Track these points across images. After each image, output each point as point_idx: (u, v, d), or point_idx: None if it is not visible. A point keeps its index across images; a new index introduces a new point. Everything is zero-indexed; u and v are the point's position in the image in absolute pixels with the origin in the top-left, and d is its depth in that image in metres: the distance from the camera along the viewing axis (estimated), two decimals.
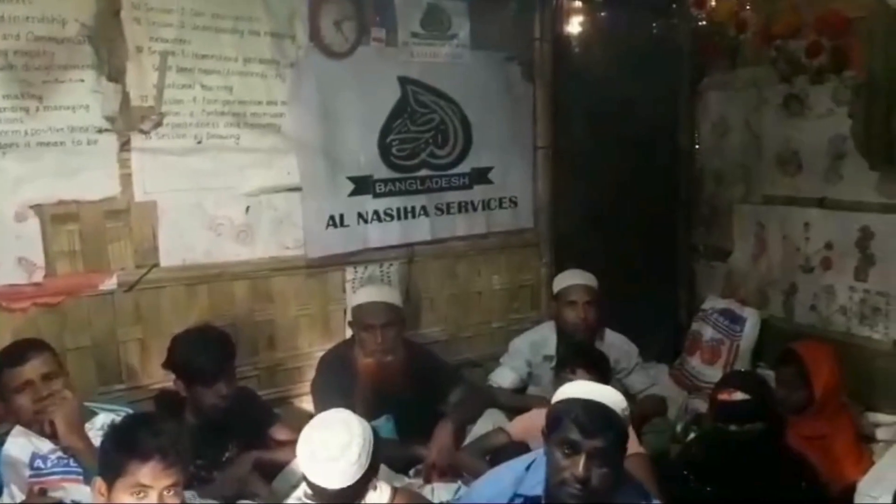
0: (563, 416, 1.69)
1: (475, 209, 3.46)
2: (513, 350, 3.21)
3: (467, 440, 2.76)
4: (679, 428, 3.04)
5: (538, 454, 1.86)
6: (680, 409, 3.26)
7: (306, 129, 2.99)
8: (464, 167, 3.41)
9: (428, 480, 2.54)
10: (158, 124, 2.71)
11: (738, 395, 2.23)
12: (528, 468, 1.85)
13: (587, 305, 3.03)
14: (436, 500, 2.40)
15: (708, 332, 3.68)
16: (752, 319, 3.58)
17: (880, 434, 2.86)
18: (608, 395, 1.75)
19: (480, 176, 3.46)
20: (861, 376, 3.05)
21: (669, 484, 2.30)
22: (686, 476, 2.33)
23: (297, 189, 3.01)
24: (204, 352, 2.41)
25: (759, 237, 3.67)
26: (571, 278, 3.12)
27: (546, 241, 3.67)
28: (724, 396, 2.26)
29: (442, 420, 2.73)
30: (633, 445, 2.41)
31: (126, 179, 2.68)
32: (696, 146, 3.98)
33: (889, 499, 2.11)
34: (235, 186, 2.89)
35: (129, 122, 2.66)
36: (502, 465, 1.95)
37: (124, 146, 2.67)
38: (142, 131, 2.68)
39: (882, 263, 3.13)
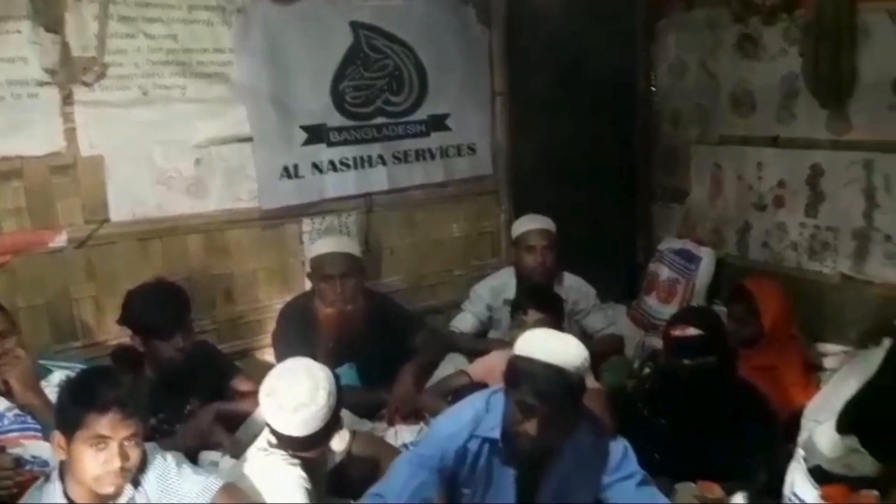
0: (522, 379, 1.71)
1: (433, 157, 3.44)
2: (473, 296, 3.25)
3: (431, 383, 2.80)
4: (636, 365, 3.11)
5: (498, 390, 1.89)
6: (637, 347, 3.34)
7: (255, 77, 2.93)
8: (420, 114, 3.37)
9: (391, 424, 2.58)
10: (101, 76, 2.63)
11: (691, 331, 2.28)
12: (487, 407, 1.88)
13: (545, 249, 3.06)
14: (398, 443, 2.44)
15: (664, 272, 3.75)
16: (707, 258, 3.65)
17: (827, 363, 2.96)
18: (565, 349, 1.72)
19: (437, 123, 3.43)
20: (810, 309, 3.14)
21: (625, 418, 2.37)
22: (641, 410, 2.40)
23: (248, 139, 2.97)
24: (159, 306, 2.39)
25: (715, 177, 3.72)
26: (529, 223, 3.14)
27: (505, 187, 3.67)
28: (677, 332, 2.31)
29: (404, 365, 2.76)
30: (590, 381, 2.49)
31: (71, 134, 2.62)
32: (653, 88, 3.98)
33: (832, 422, 2.20)
34: (184, 138, 2.83)
35: (70, 74, 2.57)
36: (462, 402, 1.98)
37: (67, 99, 2.59)
38: (84, 83, 2.61)
39: (831, 200, 3.20)
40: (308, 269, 2.86)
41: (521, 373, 1.71)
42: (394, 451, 2.29)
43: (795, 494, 2.12)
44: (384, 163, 3.30)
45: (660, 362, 2.56)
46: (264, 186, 3.01)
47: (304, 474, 1.91)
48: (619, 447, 1.79)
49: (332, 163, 3.17)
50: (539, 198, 3.54)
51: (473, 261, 3.63)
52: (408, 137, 3.36)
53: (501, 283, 3.19)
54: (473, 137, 3.53)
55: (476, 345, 3.02)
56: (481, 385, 2.49)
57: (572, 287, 3.18)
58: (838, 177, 3.15)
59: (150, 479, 1.76)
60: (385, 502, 1.80)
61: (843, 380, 2.39)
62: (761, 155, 3.45)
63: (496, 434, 1.83)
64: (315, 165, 3.13)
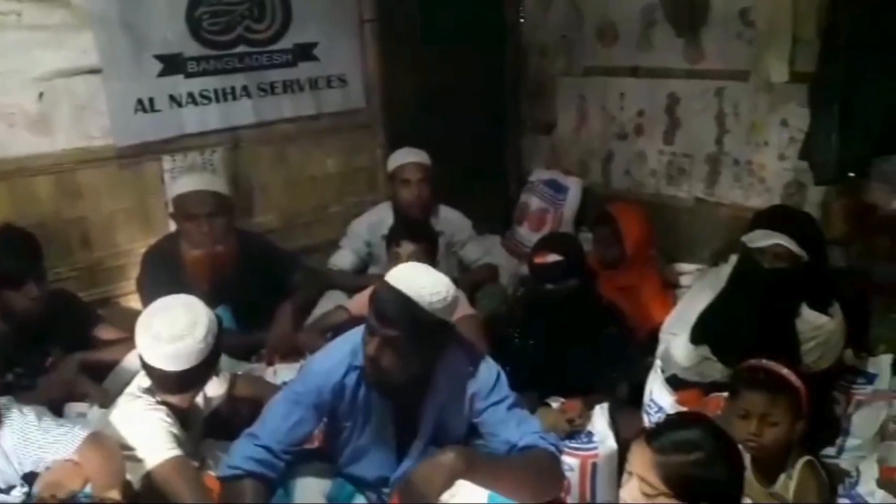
0: (373, 302, 1.71)
1: (302, 89, 3.31)
2: (351, 232, 3.22)
3: (308, 323, 2.78)
4: (510, 291, 3.22)
5: None
6: (512, 275, 3.45)
7: (101, 1, 2.67)
8: (285, 42, 3.21)
9: (269, 363, 2.55)
10: None
11: (552, 257, 2.38)
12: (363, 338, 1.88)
13: (421, 183, 3.06)
14: (278, 381, 2.41)
15: (535, 202, 3.87)
16: (574, 188, 3.80)
17: (683, 281, 3.18)
18: (421, 282, 1.67)
19: (304, 52, 3.29)
20: (668, 231, 3.36)
21: (499, 341, 2.47)
22: (512, 332, 2.51)
23: (97, 71, 2.74)
24: (6, 254, 2.22)
25: (581, 109, 3.83)
26: (404, 157, 3.13)
27: (379, 120, 3.61)
28: (539, 259, 2.40)
29: (280, 304, 2.72)
30: (465, 308, 2.57)
31: None
32: (522, 20, 4.01)
33: (686, 334, 2.39)
34: (23, 70, 2.58)
35: None
36: (339, 338, 1.97)
37: None
38: None
39: (686, 127, 3.39)
40: (171, 209, 2.71)
41: (374, 297, 1.70)
42: (275, 390, 2.25)
43: (654, 402, 2.31)
44: (249, 95, 3.14)
45: (527, 287, 2.66)
46: (117, 122, 2.80)
47: (168, 419, 1.86)
48: (492, 373, 1.83)
49: (191, 95, 2.98)
50: (414, 131, 3.50)
51: (350, 197, 3.57)
52: (273, 68, 3.20)
53: (379, 219, 3.17)
54: (344, 68, 3.42)
55: (355, 281, 3.00)
56: (361, 319, 2.49)
57: (449, 219, 3.22)
58: (693, 105, 3.33)
59: (4, 435, 1.65)
60: (260, 443, 1.78)
61: (695, 295, 2.58)
62: (623, 85, 3.59)
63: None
64: (173, 98, 2.93)
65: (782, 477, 1.84)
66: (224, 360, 2.28)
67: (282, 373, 2.47)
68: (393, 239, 2.59)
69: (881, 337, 2.48)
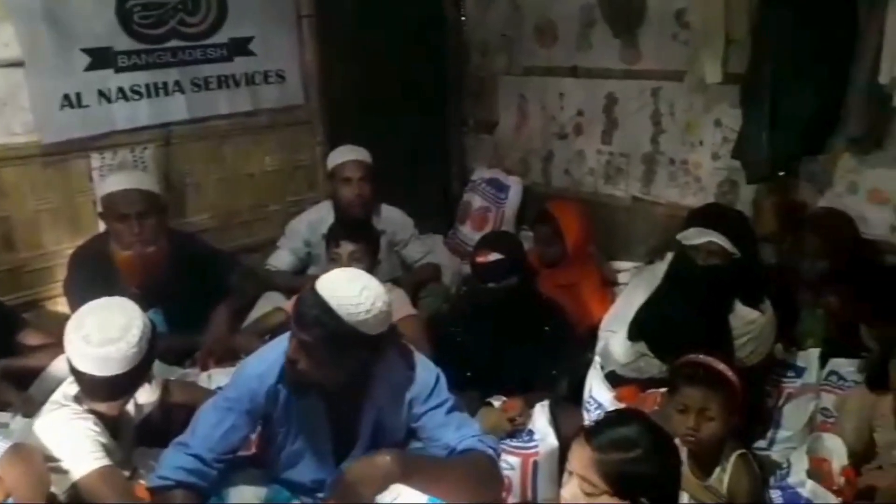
0: (295, 303, 1.67)
1: (237, 84, 3.23)
2: (289, 232, 3.16)
3: (245, 325, 2.72)
4: (453, 291, 3.22)
5: None
6: (454, 274, 3.44)
7: None
8: (220, 37, 3.13)
9: (204, 368, 2.48)
10: None
11: (494, 256, 2.38)
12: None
13: (362, 181, 3.02)
14: (213, 387, 2.35)
15: (477, 201, 3.88)
16: (515, 187, 3.83)
17: (621, 278, 3.23)
18: (345, 294, 1.59)
19: (240, 47, 3.21)
20: (606, 230, 3.41)
21: (441, 340, 2.46)
22: (454, 332, 2.50)
23: (19, 64, 2.62)
24: None
25: (521, 108, 3.85)
26: (344, 154, 3.08)
27: (319, 117, 3.55)
28: (481, 258, 2.41)
29: (216, 306, 2.64)
30: (407, 308, 2.56)
31: None
32: (463, 18, 4.01)
33: (624, 331, 2.43)
34: None
35: None
36: (273, 341, 1.93)
37: None
38: None
39: (623, 127, 3.44)
40: (100, 208, 2.61)
41: (299, 299, 1.66)
42: (210, 396, 2.18)
43: (593, 398, 2.34)
44: (182, 90, 3.05)
45: (469, 286, 2.66)
46: (42, 118, 2.68)
47: (96, 427, 1.79)
48: (431, 377, 1.81)
49: (121, 90, 2.87)
50: (354, 128, 3.47)
51: (289, 195, 3.50)
52: (208, 62, 3.11)
53: (319, 218, 3.11)
54: (281, 63, 3.35)
55: (294, 282, 2.94)
56: None
57: (390, 218, 3.19)
58: (630, 105, 3.39)
59: None
60: (191, 452, 1.72)
61: (632, 293, 2.63)
62: (562, 85, 3.62)
63: None
64: (102, 93, 2.82)
65: (717, 470, 1.89)
66: (157, 365, 2.21)
67: (217, 377, 2.41)
68: (332, 239, 2.55)
69: (809, 331, 2.57)
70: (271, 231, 3.32)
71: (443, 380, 1.82)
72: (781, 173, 2.78)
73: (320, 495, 1.85)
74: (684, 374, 1.92)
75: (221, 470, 1.76)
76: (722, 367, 1.91)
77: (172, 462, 1.72)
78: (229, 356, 2.51)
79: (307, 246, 3.13)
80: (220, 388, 2.31)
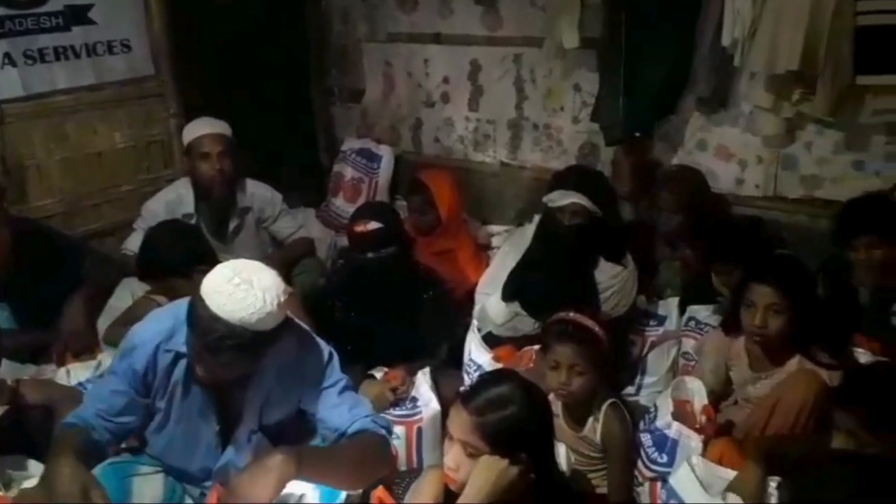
0: (196, 321, 1.55)
1: (78, 55, 2.97)
2: (146, 213, 2.95)
3: (104, 313, 2.54)
4: (328, 264, 3.16)
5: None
6: (329, 248, 3.39)
7: None
8: (55, 4, 2.85)
9: (61, 363, 2.30)
10: None
11: (373, 224, 2.36)
12: (176, 325, 1.72)
13: (221, 156, 2.87)
14: (73, 382, 2.19)
15: (349, 172, 3.82)
16: (386, 156, 3.79)
17: (495, 242, 3.31)
18: (241, 305, 1.51)
19: (78, 14, 2.94)
20: (477, 195, 3.47)
21: (320, 315, 2.40)
22: (333, 306, 2.46)
23: None
24: None
25: (387, 75, 3.81)
26: (201, 128, 2.90)
27: (172, 89, 3.32)
28: (360, 227, 2.37)
29: (69, 296, 2.45)
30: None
31: None
32: None
33: (499, 293, 2.48)
34: None
35: None
36: (164, 309, 1.86)
37: None
38: None
39: (488, 93, 3.49)
40: None
41: (194, 315, 1.55)
42: (70, 392, 2.07)
43: (472, 361, 2.38)
44: (13, 64, 2.77)
45: (347, 258, 2.62)
46: None
47: None
48: (323, 356, 1.78)
49: None
50: (211, 100, 3.30)
51: (143, 174, 3.28)
52: (42, 32, 2.83)
53: (177, 197, 2.93)
54: (126, 32, 3.11)
55: None
56: None
57: (256, 194, 3.06)
58: (493, 71, 3.43)
59: None
60: (79, 425, 1.64)
61: (505, 255, 2.69)
62: (427, 52, 3.61)
63: (185, 348, 1.69)
64: None
65: (590, 420, 1.98)
66: (5, 364, 2.05)
67: (77, 373, 2.26)
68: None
69: (667, 282, 2.74)
70: (126, 213, 3.11)
71: (335, 359, 1.79)
72: (637, 134, 2.92)
73: (208, 484, 1.78)
74: (555, 332, 1.99)
75: (113, 431, 1.71)
76: (590, 323, 1.99)
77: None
78: (89, 349, 2.36)
79: None
80: (81, 384, 2.17)
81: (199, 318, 1.53)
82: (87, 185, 3.10)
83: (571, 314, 2.01)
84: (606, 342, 1.98)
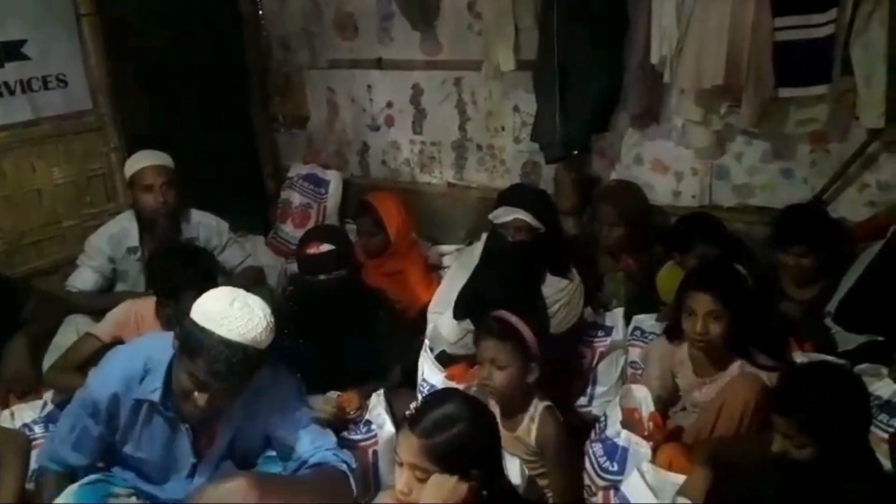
0: (201, 351, 1.55)
1: (12, 92, 2.92)
2: (90, 249, 2.90)
3: (49, 351, 2.49)
4: (279, 292, 3.14)
5: (158, 351, 1.73)
6: (280, 275, 3.37)
7: None
8: None
9: (5, 405, 2.25)
10: None
11: (325, 246, 2.36)
12: (145, 369, 1.74)
13: (165, 187, 2.84)
14: (18, 424, 2.15)
15: (296, 199, 3.82)
16: (334, 181, 3.80)
17: (446, 261, 3.34)
18: (247, 324, 1.57)
19: (12, 51, 2.90)
20: (427, 216, 3.50)
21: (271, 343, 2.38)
22: (284, 333, 2.44)
23: None
24: None
25: (331, 102, 3.84)
26: (143, 160, 2.88)
27: (111, 122, 3.28)
28: (312, 250, 2.37)
29: (11, 338, 2.39)
30: None
31: None
32: (260, 12, 3.90)
33: (450, 311, 2.51)
34: None
35: None
36: (112, 356, 1.84)
37: None
38: None
39: (431, 116, 3.54)
40: None
41: (199, 344, 1.55)
42: (13, 435, 2.02)
43: (426, 380, 2.40)
44: None
45: (297, 282, 2.61)
46: None
47: None
48: (291, 386, 1.80)
49: None
50: (152, 132, 3.28)
51: (85, 209, 3.23)
52: None
53: (121, 230, 2.89)
54: (62, 67, 3.07)
55: (100, 302, 2.71)
56: (116, 342, 2.28)
57: (202, 224, 3.03)
58: (435, 95, 3.49)
59: None
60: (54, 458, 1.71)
61: (454, 274, 2.73)
62: (369, 77, 3.65)
63: (156, 397, 1.71)
64: None
65: (525, 421, 2.01)
66: None
67: (21, 413, 2.22)
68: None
69: (612, 293, 2.81)
70: (69, 249, 3.06)
71: (302, 389, 1.80)
72: (575, 152, 3.00)
73: None
74: (480, 328, 2.04)
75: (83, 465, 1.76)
76: (514, 319, 2.01)
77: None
78: (32, 390, 2.30)
79: (111, 262, 2.89)
80: (26, 426, 2.13)
81: (206, 347, 1.54)
82: (27, 222, 3.04)
83: (500, 312, 2.04)
84: (530, 339, 1.99)
